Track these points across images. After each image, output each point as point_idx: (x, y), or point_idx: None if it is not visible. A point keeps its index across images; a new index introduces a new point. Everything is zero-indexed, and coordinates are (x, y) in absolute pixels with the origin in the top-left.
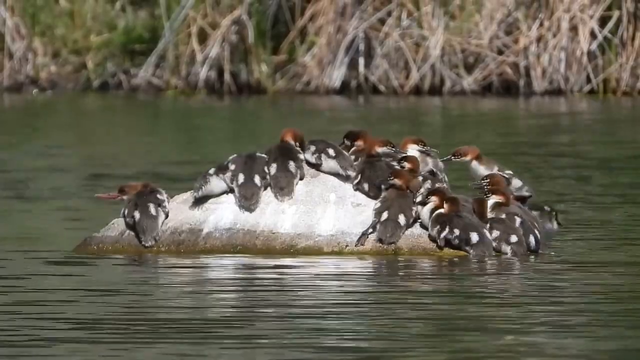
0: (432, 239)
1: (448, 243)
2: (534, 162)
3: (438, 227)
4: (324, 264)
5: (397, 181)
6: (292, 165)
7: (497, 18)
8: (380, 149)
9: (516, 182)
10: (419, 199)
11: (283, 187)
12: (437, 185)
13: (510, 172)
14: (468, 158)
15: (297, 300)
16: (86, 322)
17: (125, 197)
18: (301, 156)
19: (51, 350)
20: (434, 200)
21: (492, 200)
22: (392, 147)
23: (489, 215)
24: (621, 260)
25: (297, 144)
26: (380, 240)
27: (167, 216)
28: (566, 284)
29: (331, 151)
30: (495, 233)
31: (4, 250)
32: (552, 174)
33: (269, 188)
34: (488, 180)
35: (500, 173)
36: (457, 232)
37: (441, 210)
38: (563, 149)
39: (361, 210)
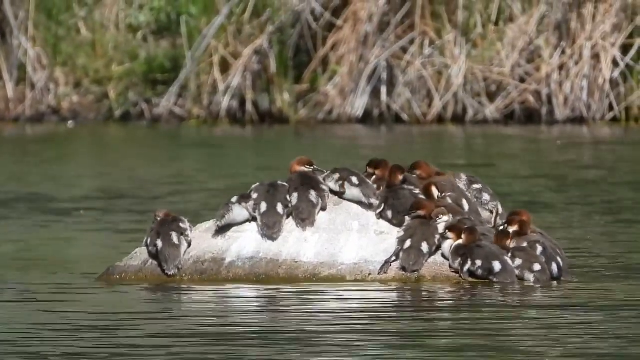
0: (455, 270)
1: (472, 274)
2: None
3: (459, 259)
4: (347, 293)
5: (420, 212)
6: (313, 194)
7: (519, 46)
8: (401, 176)
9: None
10: (440, 228)
11: (305, 219)
12: (458, 218)
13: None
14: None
15: (322, 327)
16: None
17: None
18: (323, 186)
19: None
20: (451, 237)
21: (510, 230)
22: (403, 172)
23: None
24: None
25: (312, 168)
26: (403, 269)
27: (189, 245)
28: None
29: (355, 179)
30: (518, 261)
31: (30, 274)
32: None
33: (291, 217)
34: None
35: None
36: (479, 262)
37: (460, 242)
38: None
39: (384, 238)
